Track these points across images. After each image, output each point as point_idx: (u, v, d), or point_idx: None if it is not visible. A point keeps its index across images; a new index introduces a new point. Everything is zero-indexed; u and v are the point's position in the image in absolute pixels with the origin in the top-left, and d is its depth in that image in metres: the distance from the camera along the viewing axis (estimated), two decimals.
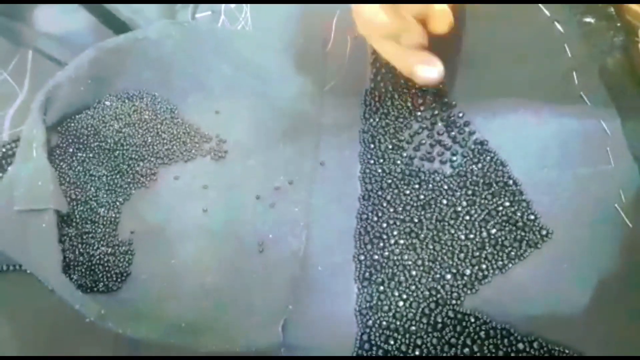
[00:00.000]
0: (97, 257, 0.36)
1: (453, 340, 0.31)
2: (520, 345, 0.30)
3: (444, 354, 0.31)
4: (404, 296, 0.33)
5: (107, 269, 0.36)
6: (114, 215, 0.38)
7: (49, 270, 0.33)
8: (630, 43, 0.39)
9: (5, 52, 0.47)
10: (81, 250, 0.36)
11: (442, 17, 0.33)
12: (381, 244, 0.34)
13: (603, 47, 0.40)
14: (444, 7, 0.33)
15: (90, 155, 0.39)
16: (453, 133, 0.37)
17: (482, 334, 0.31)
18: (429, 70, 0.35)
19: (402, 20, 0.34)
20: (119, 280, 0.35)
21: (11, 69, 0.46)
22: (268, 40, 0.43)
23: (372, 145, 0.37)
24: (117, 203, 0.38)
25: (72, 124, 0.40)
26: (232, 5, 0.47)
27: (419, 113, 0.38)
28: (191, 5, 0.47)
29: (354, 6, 0.36)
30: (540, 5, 0.42)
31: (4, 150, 0.42)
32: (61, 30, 0.48)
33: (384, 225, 0.35)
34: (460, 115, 0.37)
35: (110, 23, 0.46)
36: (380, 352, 0.32)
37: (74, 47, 0.45)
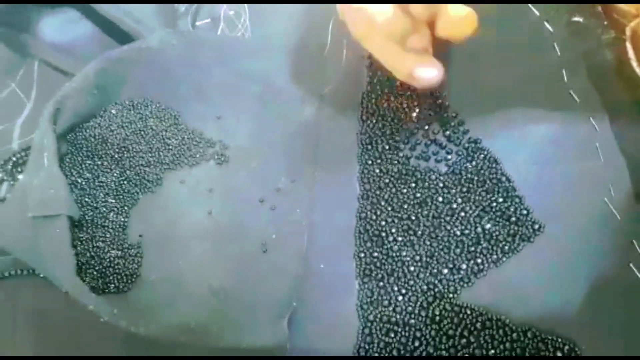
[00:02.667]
0: (108, 260, 0.37)
1: (451, 332, 0.33)
2: (515, 335, 0.32)
3: (442, 345, 0.32)
4: (403, 291, 0.34)
5: (117, 271, 0.37)
6: (122, 219, 0.39)
7: (63, 273, 0.34)
8: (617, 41, 0.40)
9: (12, 63, 0.49)
10: (92, 253, 0.37)
11: (466, 21, 0.29)
12: (380, 242, 0.36)
13: (591, 45, 0.41)
14: (469, 10, 0.29)
15: (99, 162, 0.41)
16: (447, 132, 0.38)
17: (478, 325, 0.32)
18: (430, 71, 0.33)
19: (412, 20, 0.31)
20: (129, 281, 0.37)
21: (18, 80, 0.48)
22: (267, 46, 0.44)
23: (369, 147, 0.39)
24: (126, 208, 0.40)
25: (81, 133, 0.41)
26: (231, 12, 0.48)
27: (414, 114, 0.39)
28: (191, 12, 0.49)
29: (346, 6, 0.33)
30: (529, 5, 0.43)
31: (14, 159, 0.43)
32: (66, 41, 0.49)
33: (383, 223, 0.36)
34: (454, 115, 0.39)
35: (113, 33, 0.47)
36: (381, 345, 0.33)
37: (78, 57, 0.46)
